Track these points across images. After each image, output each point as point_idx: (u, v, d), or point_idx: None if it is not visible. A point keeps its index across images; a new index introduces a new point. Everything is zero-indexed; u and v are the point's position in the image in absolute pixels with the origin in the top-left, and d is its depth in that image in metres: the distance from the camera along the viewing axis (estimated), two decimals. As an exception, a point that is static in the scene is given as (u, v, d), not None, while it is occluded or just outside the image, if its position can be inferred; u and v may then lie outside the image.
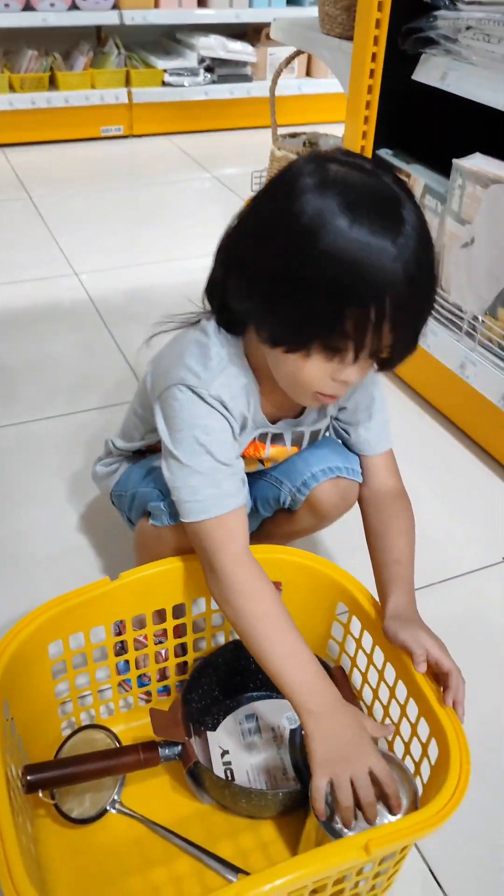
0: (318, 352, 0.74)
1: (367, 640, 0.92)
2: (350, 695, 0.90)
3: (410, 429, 1.59)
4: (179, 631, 0.96)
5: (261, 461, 0.98)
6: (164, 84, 3.21)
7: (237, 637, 1.00)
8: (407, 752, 0.85)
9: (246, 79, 3.30)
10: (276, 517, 1.04)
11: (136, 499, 0.98)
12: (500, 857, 0.87)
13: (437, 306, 1.52)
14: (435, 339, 1.52)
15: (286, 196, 0.71)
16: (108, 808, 0.87)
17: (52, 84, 3.10)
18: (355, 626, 0.94)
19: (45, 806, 0.87)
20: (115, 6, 3.04)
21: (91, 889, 0.82)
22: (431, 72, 1.46)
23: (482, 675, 1.04)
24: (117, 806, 0.88)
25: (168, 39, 3.41)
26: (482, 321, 1.41)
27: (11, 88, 3.04)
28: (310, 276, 0.70)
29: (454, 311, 1.49)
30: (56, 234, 2.38)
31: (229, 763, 0.91)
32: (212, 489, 0.81)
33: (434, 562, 1.24)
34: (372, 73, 1.52)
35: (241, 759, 0.91)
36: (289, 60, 1.83)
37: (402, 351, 0.76)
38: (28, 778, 0.80)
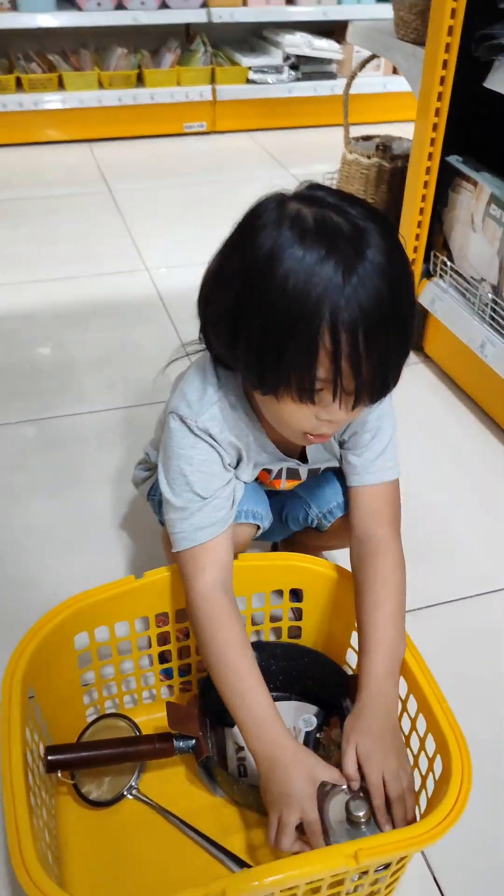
0: (291, 394, 0.72)
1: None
2: None
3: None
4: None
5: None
6: (248, 81, 3.24)
7: (259, 639, 1.03)
8: (415, 765, 0.86)
9: (331, 76, 3.29)
10: (306, 530, 1.05)
11: (162, 505, 1.02)
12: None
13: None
14: (494, 349, 1.50)
15: (245, 235, 0.71)
16: (125, 793, 0.92)
17: (140, 81, 3.17)
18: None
19: (68, 785, 0.92)
20: (204, 4, 3.08)
21: (103, 867, 0.86)
22: None
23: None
24: (134, 792, 0.92)
25: (255, 37, 3.43)
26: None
27: (101, 85, 3.12)
28: (263, 315, 0.69)
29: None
30: (131, 227, 2.45)
31: (243, 759, 0.94)
32: (184, 524, 0.84)
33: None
34: (443, 79, 1.50)
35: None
36: (363, 64, 1.83)
37: (376, 388, 0.72)
38: (48, 758, 0.84)
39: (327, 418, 0.75)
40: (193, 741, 0.89)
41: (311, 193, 0.72)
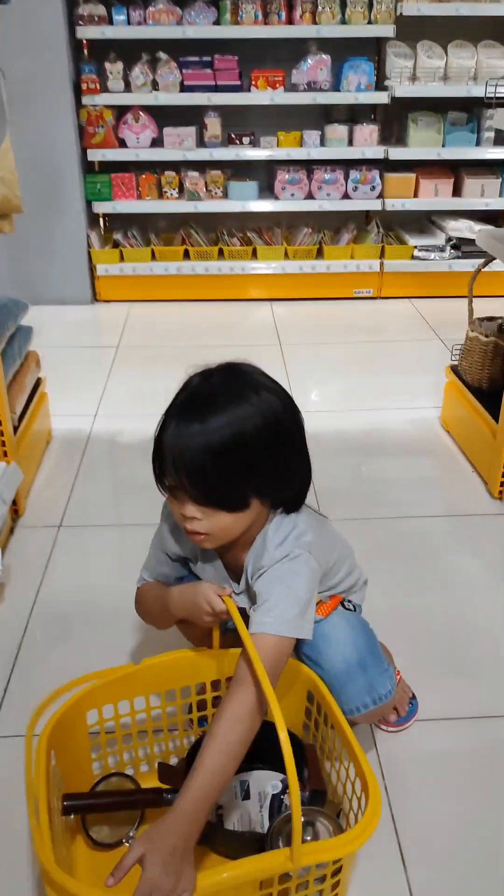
0: (165, 490, 1.12)
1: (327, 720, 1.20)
2: (318, 775, 1.18)
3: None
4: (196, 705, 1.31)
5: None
6: (413, 257, 3.72)
7: None
8: (345, 791, 1.15)
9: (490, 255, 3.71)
10: None
11: None
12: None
13: None
14: None
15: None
16: (124, 840, 1.18)
17: (319, 254, 3.76)
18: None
19: (81, 829, 1.19)
20: (380, 196, 3.65)
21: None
22: None
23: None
24: (130, 840, 1.18)
25: (424, 220, 3.94)
26: None
27: (286, 256, 3.74)
28: (155, 439, 1.11)
29: None
30: (291, 377, 2.91)
31: (221, 815, 1.20)
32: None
33: None
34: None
35: (230, 812, 1.20)
36: (480, 268, 2.21)
37: (192, 497, 1.07)
38: (65, 803, 1.12)
39: (182, 512, 1.10)
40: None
41: (210, 370, 1.11)
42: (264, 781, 1.23)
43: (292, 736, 1.21)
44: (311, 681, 1.23)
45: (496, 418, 2.09)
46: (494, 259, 2.17)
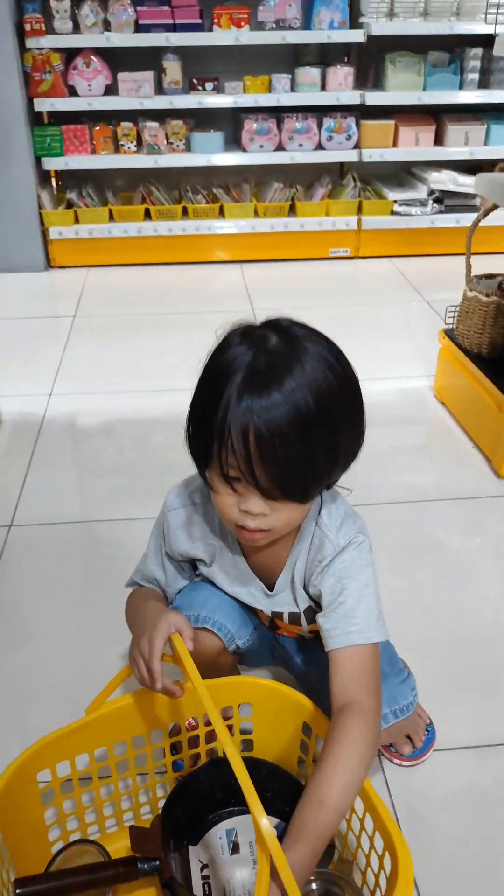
0: (218, 481, 0.87)
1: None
2: None
3: None
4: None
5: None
6: (392, 213, 3.46)
7: (216, 756, 1.09)
8: (368, 864, 0.92)
9: (474, 209, 3.46)
10: None
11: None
12: None
13: None
14: None
15: (206, 362, 0.88)
16: None
17: (292, 211, 3.48)
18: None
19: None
20: (357, 146, 3.37)
21: None
22: None
23: None
24: None
25: (404, 172, 3.67)
26: None
27: (256, 214, 3.45)
28: (199, 409, 0.86)
29: None
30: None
31: (207, 877, 0.98)
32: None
33: None
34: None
35: (219, 873, 0.98)
36: (486, 212, 1.96)
37: (278, 488, 0.84)
38: (17, 891, 0.90)
39: (245, 508, 0.87)
40: (157, 862, 0.94)
41: (271, 323, 0.89)
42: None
43: (284, 774, 1.02)
44: (307, 709, 1.02)
45: (501, 388, 1.86)
46: (496, 208, 1.92)
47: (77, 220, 3.40)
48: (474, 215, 3.38)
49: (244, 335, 0.87)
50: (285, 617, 1.07)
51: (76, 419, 2.24)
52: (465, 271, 2.07)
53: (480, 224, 2.02)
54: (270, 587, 1.05)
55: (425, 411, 2.27)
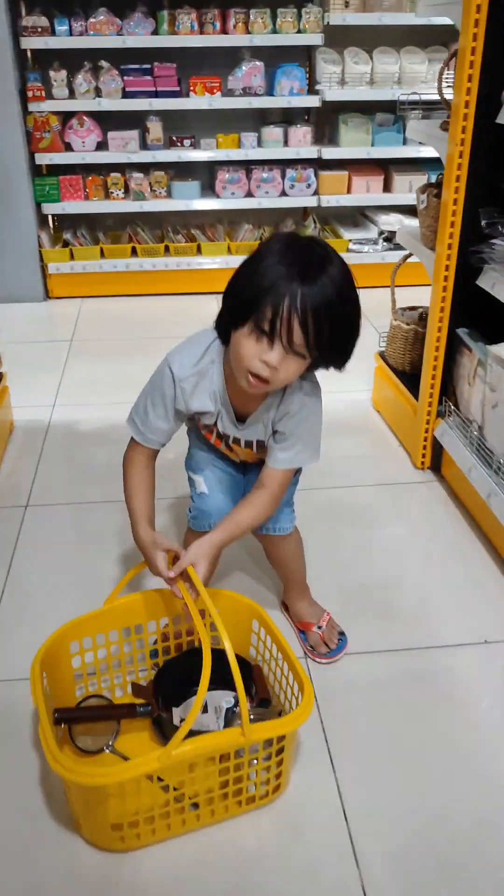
0: (251, 329, 1.15)
1: (269, 643, 1.47)
2: (264, 688, 1.43)
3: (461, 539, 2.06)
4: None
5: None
6: (348, 250, 3.96)
7: (195, 646, 1.55)
8: (286, 697, 1.41)
9: (419, 246, 3.98)
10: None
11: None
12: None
13: (479, 446, 2.01)
14: (477, 473, 2.00)
15: (257, 250, 1.20)
16: (104, 748, 1.39)
17: (260, 249, 3.97)
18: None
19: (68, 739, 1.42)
20: (316, 192, 3.88)
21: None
22: (487, 281, 2.00)
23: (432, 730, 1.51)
24: (110, 747, 1.39)
25: (358, 214, 4.19)
26: None
27: (230, 252, 3.95)
28: (252, 280, 1.13)
29: (490, 453, 1.97)
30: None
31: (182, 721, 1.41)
32: (138, 431, 1.45)
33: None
34: (446, 277, 2.09)
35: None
36: (404, 259, 2.46)
37: (297, 348, 1.15)
38: (56, 714, 1.35)
39: (265, 359, 1.16)
40: (149, 707, 1.40)
41: (301, 239, 1.20)
42: (220, 699, 1.45)
43: (241, 658, 1.44)
44: (257, 612, 1.48)
45: (417, 397, 2.35)
46: (410, 255, 2.42)
47: (72, 257, 3.88)
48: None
49: (293, 240, 1.17)
50: (242, 443, 1.44)
51: (75, 426, 2.70)
52: (391, 303, 2.56)
53: (409, 261, 2.50)
54: (241, 420, 1.41)
55: (365, 418, 2.75)
